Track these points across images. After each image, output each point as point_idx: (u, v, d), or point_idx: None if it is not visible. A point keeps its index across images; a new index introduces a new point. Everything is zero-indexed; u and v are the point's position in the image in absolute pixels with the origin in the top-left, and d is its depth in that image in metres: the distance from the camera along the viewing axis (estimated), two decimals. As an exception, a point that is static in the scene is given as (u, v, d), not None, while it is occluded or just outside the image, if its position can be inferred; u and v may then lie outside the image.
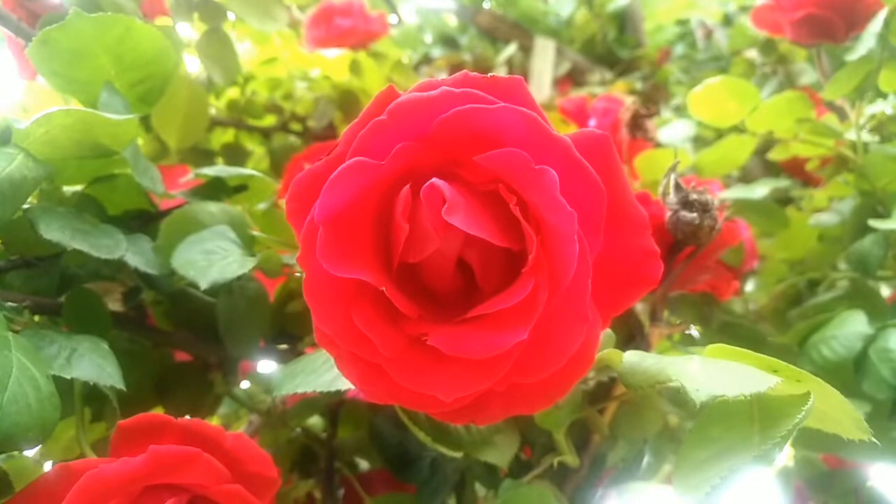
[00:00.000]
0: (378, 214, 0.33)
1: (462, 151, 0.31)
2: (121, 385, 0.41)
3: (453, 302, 0.34)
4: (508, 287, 0.31)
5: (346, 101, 1.08)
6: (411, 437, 0.55)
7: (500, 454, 0.42)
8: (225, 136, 1.07)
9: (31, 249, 0.49)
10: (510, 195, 0.31)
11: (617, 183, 0.33)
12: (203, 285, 0.43)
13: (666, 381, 0.32)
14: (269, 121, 1.10)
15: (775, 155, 0.85)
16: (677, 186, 0.47)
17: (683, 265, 0.48)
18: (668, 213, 0.46)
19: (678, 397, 0.63)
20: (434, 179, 0.30)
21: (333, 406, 0.59)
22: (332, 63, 1.06)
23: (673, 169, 0.47)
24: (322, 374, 0.39)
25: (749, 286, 0.96)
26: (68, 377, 0.39)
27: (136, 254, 0.47)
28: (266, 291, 0.53)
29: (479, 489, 0.56)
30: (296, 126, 1.11)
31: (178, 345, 0.54)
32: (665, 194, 0.47)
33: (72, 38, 0.50)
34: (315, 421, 0.65)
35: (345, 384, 0.38)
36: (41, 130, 0.45)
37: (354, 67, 1.05)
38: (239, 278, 0.52)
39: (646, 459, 0.50)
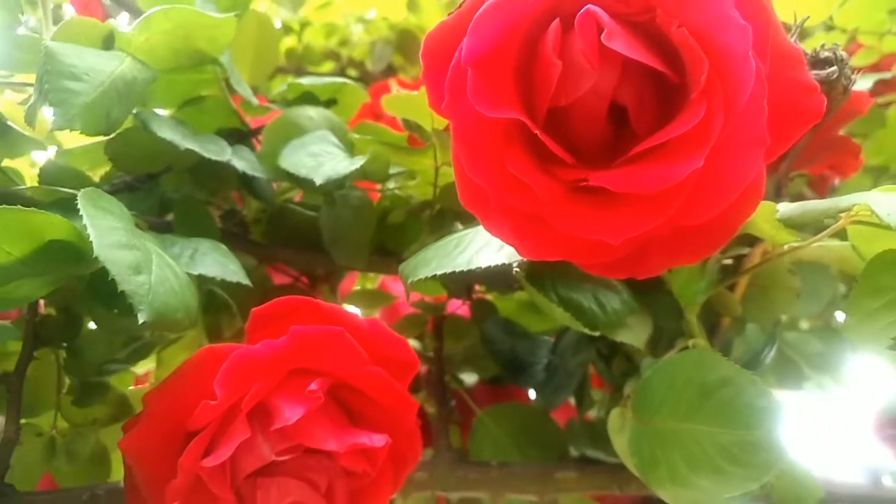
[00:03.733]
0: (520, 58, 0.31)
1: (612, -19, 0.29)
2: (246, 281, 0.41)
3: (602, 154, 0.32)
4: (667, 126, 0.29)
5: (404, 40, 1.07)
6: (522, 344, 0.54)
7: (635, 335, 0.41)
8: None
9: (137, 166, 0.49)
10: (669, 20, 0.29)
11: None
12: (318, 181, 0.42)
13: (847, 210, 0.30)
14: (327, 67, 1.09)
15: (860, 60, 0.81)
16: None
17: (808, 137, 0.45)
18: (796, 78, 0.43)
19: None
20: (589, 6, 0.28)
21: (437, 321, 0.58)
22: (389, 1, 1.04)
23: (796, 31, 0.44)
24: (455, 256, 0.38)
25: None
26: (195, 273, 0.39)
27: (240, 159, 0.46)
28: (370, 199, 0.52)
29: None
30: (353, 71, 1.10)
31: (283, 258, 0.54)
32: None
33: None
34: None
35: (483, 261, 0.37)
36: (142, 38, 0.44)
37: (412, 4, 1.03)
38: (341, 187, 0.51)
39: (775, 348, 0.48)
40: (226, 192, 0.56)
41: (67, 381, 0.52)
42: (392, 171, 0.53)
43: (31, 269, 0.34)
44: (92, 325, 0.51)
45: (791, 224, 0.32)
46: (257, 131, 0.55)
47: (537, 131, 0.29)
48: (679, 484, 0.34)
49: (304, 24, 1.05)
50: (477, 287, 0.59)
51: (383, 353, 0.37)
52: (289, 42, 1.06)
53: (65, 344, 0.49)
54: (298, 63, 1.05)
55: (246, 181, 0.49)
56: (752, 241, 0.44)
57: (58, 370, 0.51)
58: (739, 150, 0.28)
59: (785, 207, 0.34)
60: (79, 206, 0.34)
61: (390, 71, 1.08)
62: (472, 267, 0.37)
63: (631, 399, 0.38)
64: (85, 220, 0.32)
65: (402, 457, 0.38)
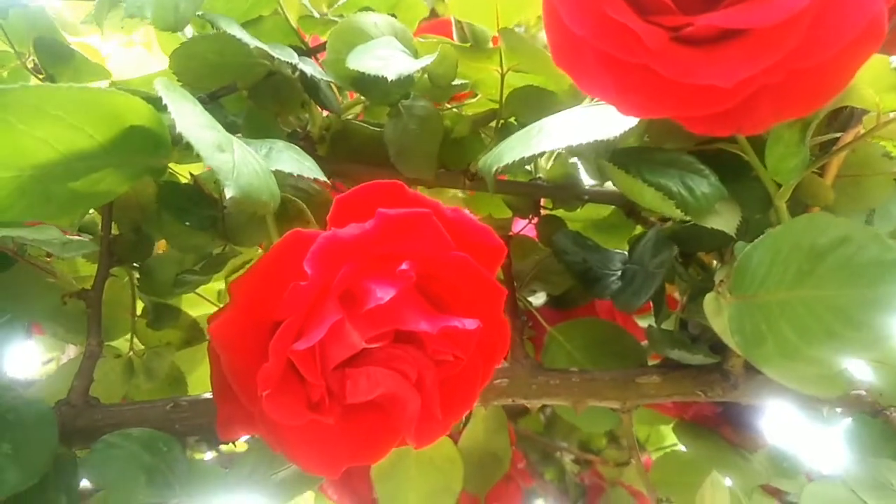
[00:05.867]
0: None
1: None
2: (322, 177, 0.40)
3: (698, 7, 0.30)
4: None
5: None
6: (594, 255, 0.52)
7: (726, 221, 0.39)
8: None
9: (201, 82, 0.48)
10: None
11: None
12: (390, 77, 0.41)
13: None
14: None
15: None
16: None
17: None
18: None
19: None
20: None
21: (504, 239, 0.57)
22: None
23: None
24: (540, 140, 0.37)
25: None
26: (272, 169, 0.38)
27: (307, 65, 0.45)
28: (435, 108, 0.51)
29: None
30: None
31: (349, 173, 0.53)
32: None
33: None
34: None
35: (569, 140, 0.35)
36: (203, -58, 0.43)
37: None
38: (406, 96, 0.50)
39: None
40: (287, 115, 0.56)
41: (141, 305, 0.52)
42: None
43: (112, 158, 0.34)
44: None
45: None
46: (316, 49, 0.54)
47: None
48: (789, 357, 0.32)
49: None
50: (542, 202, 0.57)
51: (468, 240, 0.36)
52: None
53: (137, 265, 0.49)
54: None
55: (312, 91, 0.48)
56: (843, 125, 0.42)
57: (132, 293, 0.51)
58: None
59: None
60: (158, 92, 0.33)
61: (433, 17, 1.06)
62: (558, 147, 0.35)
63: (727, 281, 0.36)
64: (166, 101, 0.32)
65: (490, 346, 0.37)
